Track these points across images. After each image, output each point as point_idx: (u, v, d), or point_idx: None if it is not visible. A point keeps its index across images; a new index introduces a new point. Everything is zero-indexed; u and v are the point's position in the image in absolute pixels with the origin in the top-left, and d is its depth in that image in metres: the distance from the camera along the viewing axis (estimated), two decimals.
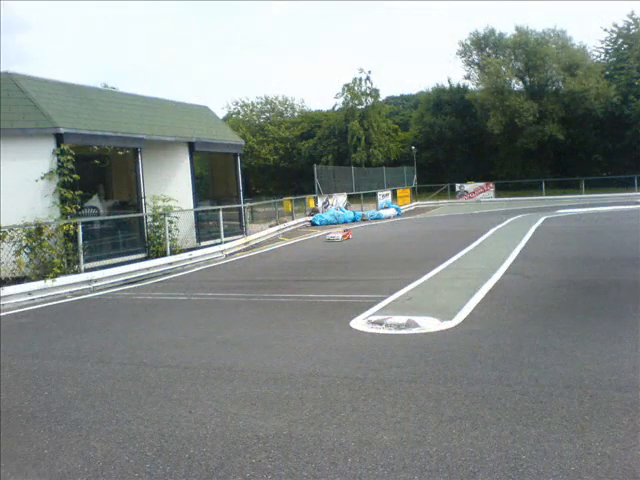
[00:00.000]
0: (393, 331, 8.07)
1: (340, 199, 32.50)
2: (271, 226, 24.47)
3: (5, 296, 11.29)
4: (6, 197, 12.98)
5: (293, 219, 27.34)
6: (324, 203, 30.91)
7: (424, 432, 4.72)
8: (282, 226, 24.62)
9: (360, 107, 62.63)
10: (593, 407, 5.04)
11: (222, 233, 18.52)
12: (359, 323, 8.53)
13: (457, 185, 44.58)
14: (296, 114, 71.63)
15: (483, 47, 58.32)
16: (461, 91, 60.36)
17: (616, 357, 6.35)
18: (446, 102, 59.64)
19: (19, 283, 11.85)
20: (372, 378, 6.08)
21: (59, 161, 13.49)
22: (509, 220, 24.95)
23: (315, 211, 29.79)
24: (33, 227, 12.49)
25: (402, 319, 8.38)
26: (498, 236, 19.23)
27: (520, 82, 55.64)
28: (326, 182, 33.34)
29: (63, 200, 13.51)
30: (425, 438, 4.61)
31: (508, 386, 5.65)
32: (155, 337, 8.33)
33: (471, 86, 60.12)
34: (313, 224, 28.23)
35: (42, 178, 13.43)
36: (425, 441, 4.56)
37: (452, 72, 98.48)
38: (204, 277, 14.32)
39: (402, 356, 6.83)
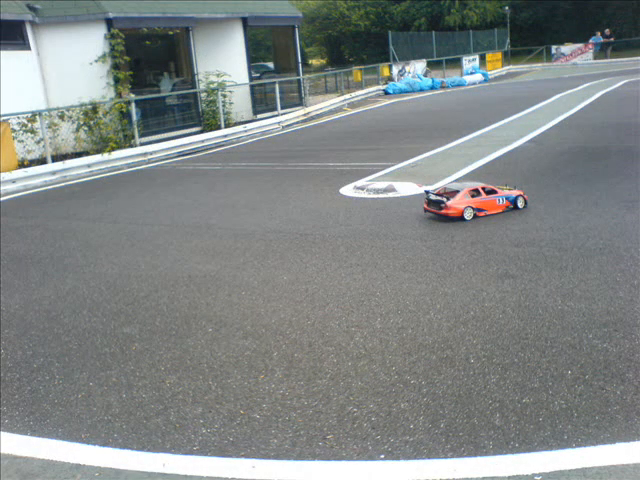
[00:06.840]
0: (372, 195, 8.94)
1: (418, 66, 31.98)
2: (337, 96, 24.89)
3: (67, 168, 12.97)
4: (64, 81, 14.42)
5: (363, 89, 27.50)
6: (400, 71, 30.64)
7: (322, 274, 5.72)
8: (348, 96, 24.98)
9: None
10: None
11: (278, 105, 19.35)
12: (348, 189, 9.43)
13: (553, 47, 42.28)
14: None
15: None
16: None
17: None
18: None
19: (79, 157, 13.49)
20: (318, 234, 7.08)
21: (110, 44, 14.67)
22: (585, 85, 24.01)
23: (390, 80, 29.73)
24: (89, 106, 13.95)
25: (383, 184, 9.20)
26: (556, 103, 18.88)
27: None
28: (404, 49, 32.84)
29: (116, 80, 14.82)
30: (315, 278, 5.63)
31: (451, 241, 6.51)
32: (169, 202, 9.65)
33: None
34: (386, 93, 28.33)
35: (96, 61, 14.70)
36: (314, 280, 5.59)
37: None
38: (250, 149, 15.45)
39: (358, 216, 7.75)
